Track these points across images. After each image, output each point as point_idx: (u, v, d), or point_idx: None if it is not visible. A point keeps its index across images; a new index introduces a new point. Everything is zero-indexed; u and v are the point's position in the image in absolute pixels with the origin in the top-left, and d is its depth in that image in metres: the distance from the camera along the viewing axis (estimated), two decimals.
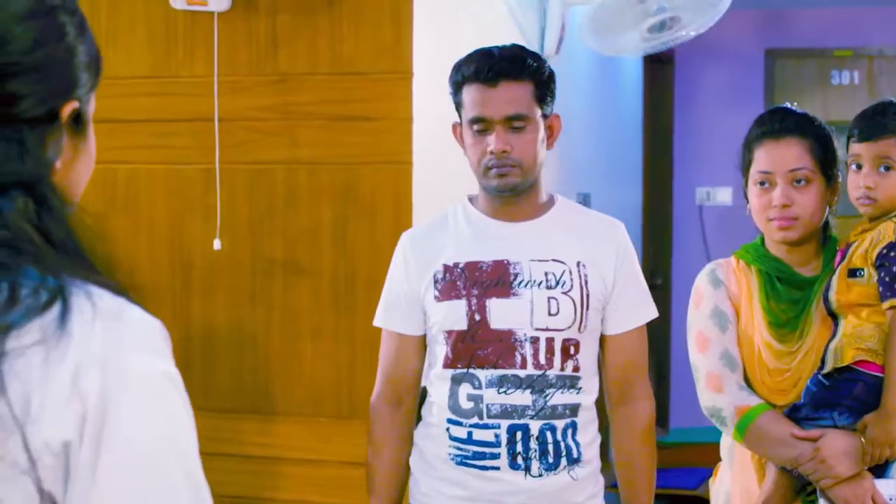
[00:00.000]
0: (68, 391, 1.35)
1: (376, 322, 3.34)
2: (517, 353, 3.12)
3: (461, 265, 3.19)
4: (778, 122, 3.25)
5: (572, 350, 3.15)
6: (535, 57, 3.21)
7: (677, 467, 7.40)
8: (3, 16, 1.42)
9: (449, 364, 3.18)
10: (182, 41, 4.34)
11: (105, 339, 1.39)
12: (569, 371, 3.15)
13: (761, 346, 3.21)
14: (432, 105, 4.13)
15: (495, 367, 3.12)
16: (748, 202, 3.34)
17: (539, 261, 3.17)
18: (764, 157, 3.23)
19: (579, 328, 3.16)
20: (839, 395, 3.07)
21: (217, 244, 4.24)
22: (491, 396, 3.12)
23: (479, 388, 3.14)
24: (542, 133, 3.17)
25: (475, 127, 3.15)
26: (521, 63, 3.14)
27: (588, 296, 3.16)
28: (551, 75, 3.21)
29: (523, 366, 3.11)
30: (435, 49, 4.19)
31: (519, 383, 3.11)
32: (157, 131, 4.39)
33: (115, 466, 1.36)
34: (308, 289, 4.23)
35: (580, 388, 3.18)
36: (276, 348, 4.27)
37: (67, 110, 1.49)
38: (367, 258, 4.15)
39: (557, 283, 3.15)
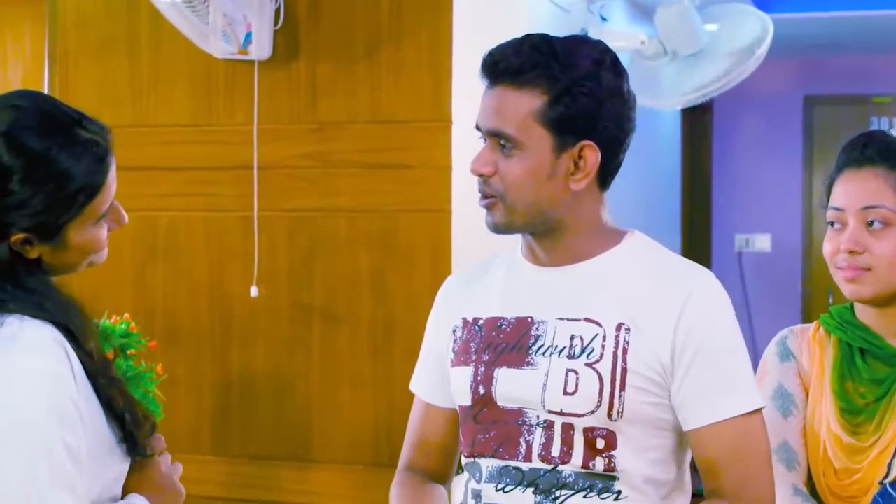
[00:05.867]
0: None
1: (411, 385, 2.62)
2: (521, 441, 2.30)
3: (481, 321, 2.39)
4: (859, 150, 2.52)
5: (601, 444, 2.26)
6: (566, 55, 2.27)
7: None
8: None
9: (462, 449, 2.44)
10: (223, 90, 4.37)
11: None
12: (598, 469, 2.26)
13: (828, 439, 2.49)
14: (472, 153, 4.12)
15: (495, 455, 2.32)
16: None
17: (568, 320, 2.30)
18: (839, 190, 2.52)
19: (609, 414, 2.25)
20: None
21: (254, 291, 4.26)
22: (489, 494, 2.33)
23: (480, 481, 2.36)
24: (548, 166, 2.27)
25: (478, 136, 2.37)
26: (529, 63, 2.26)
27: (625, 371, 2.24)
28: (581, 87, 2.26)
29: (527, 457, 2.29)
30: (474, 97, 4.19)
31: (520, 479, 2.30)
32: (196, 179, 4.42)
33: None
34: (346, 336, 4.23)
35: (619, 495, 2.27)
36: (315, 395, 4.27)
37: (14, 237, 2.05)
38: (405, 306, 4.15)
39: (582, 352, 2.27)
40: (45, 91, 4.59)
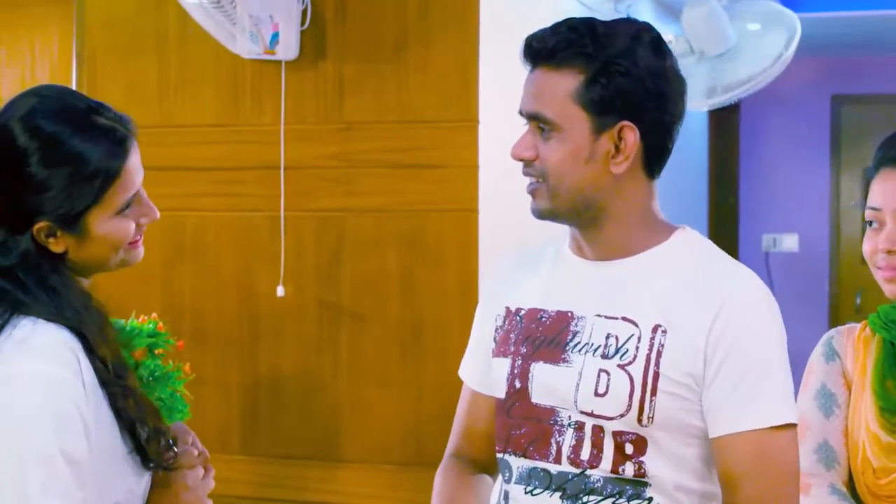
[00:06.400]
0: None
1: (460, 371, 2.56)
2: (552, 441, 2.24)
3: (523, 312, 2.34)
4: (895, 149, 2.48)
5: (630, 449, 2.18)
6: (604, 35, 2.20)
7: None
8: None
9: (496, 444, 2.38)
10: (250, 90, 4.37)
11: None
12: (628, 475, 2.19)
13: (867, 438, 2.45)
14: (498, 152, 4.12)
15: (525, 455, 2.27)
16: None
17: (606, 317, 2.23)
18: (876, 190, 2.47)
19: (639, 419, 2.17)
20: None
21: (280, 291, 4.26)
22: (517, 495, 2.28)
23: (510, 481, 2.31)
24: (587, 148, 2.20)
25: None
26: (564, 42, 2.20)
27: (657, 375, 2.16)
28: (617, 66, 2.18)
29: (557, 459, 2.23)
30: (501, 97, 4.20)
31: (548, 482, 2.24)
32: (223, 179, 4.42)
33: None
34: (374, 336, 4.23)
35: (650, 502, 2.19)
36: (343, 395, 4.27)
37: (36, 227, 2.06)
38: (433, 305, 4.14)
39: (616, 352, 2.19)
40: None
